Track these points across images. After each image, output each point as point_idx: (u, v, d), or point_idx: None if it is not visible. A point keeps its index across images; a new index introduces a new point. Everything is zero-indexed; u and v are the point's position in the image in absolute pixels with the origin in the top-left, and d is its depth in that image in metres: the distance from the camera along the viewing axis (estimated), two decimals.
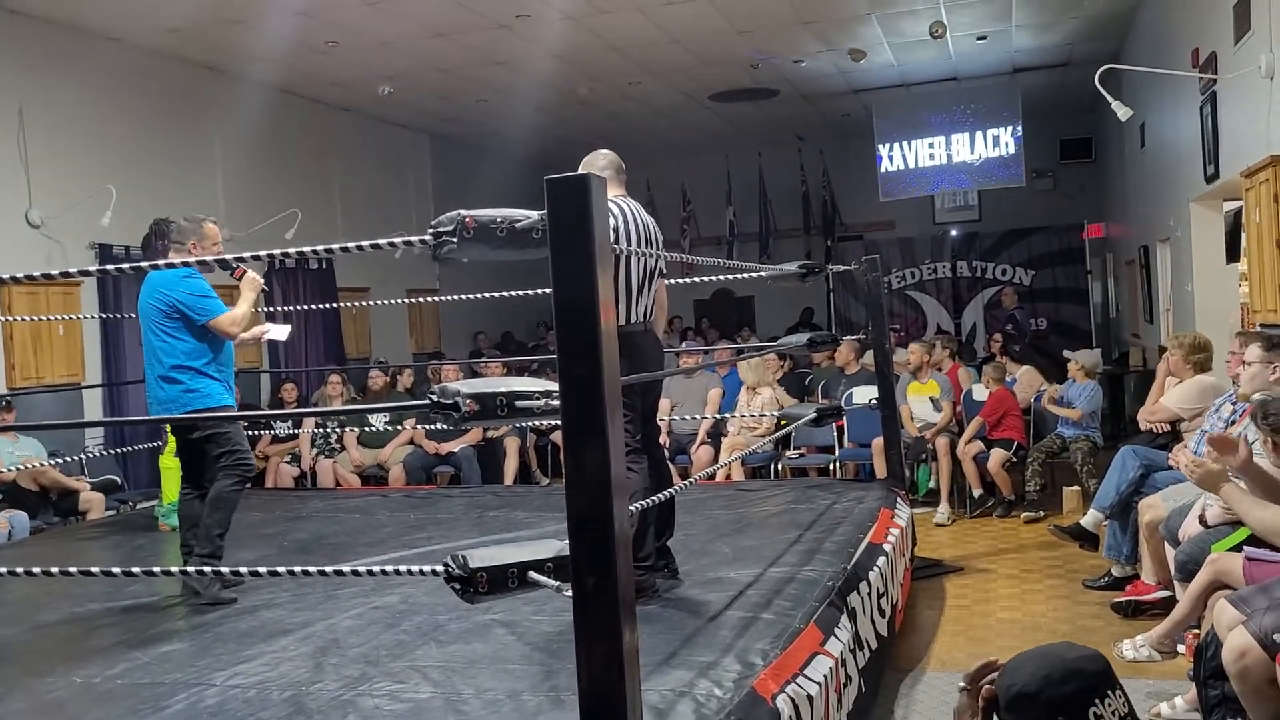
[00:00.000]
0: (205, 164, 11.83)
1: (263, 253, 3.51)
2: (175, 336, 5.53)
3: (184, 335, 5.54)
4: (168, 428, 7.33)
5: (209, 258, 5.20)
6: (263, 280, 5.93)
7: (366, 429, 10.54)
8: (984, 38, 12.90)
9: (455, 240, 3.01)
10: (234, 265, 5.63)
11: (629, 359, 4.14)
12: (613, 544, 2.82)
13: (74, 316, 9.49)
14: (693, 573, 5.26)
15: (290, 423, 10.42)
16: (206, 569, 5.22)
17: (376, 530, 7.10)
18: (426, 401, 3.03)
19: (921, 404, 9.92)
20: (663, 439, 6.52)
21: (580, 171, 3.26)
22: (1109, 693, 2.20)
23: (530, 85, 13.43)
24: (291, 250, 3.44)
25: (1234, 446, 4.55)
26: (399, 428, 10.68)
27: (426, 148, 16.35)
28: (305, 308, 11.80)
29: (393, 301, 10.89)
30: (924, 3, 11.34)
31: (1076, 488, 9.18)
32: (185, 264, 4.62)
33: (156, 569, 5.37)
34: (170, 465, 7.06)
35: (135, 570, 3.82)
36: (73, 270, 3.57)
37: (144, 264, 3.73)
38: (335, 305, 12.17)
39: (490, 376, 8.54)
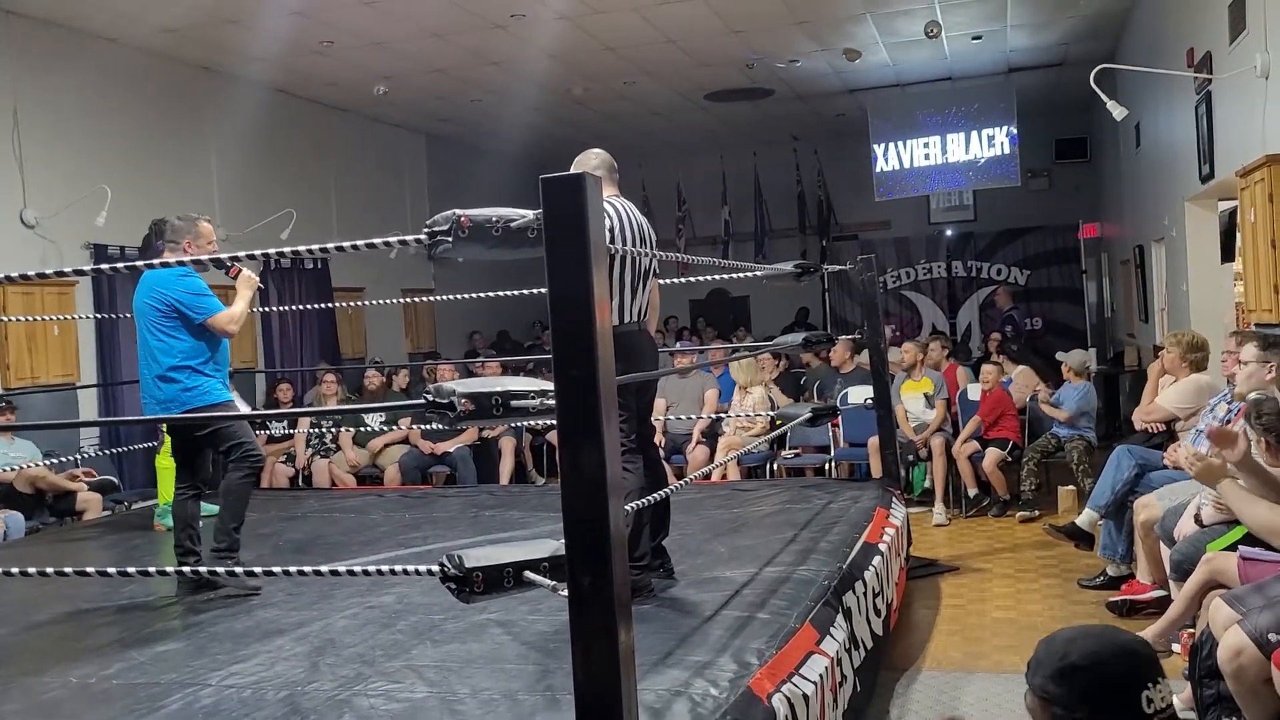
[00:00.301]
0: (201, 164, 11.82)
1: (258, 252, 3.51)
2: (173, 336, 5.52)
3: (182, 334, 5.53)
4: (164, 427, 7.32)
5: (204, 256, 5.19)
6: (258, 278, 5.92)
7: (362, 429, 10.54)
8: (979, 37, 12.91)
9: (450, 239, 3.01)
10: (229, 264, 5.63)
11: (624, 359, 4.14)
12: (608, 543, 2.82)
13: (69, 317, 9.47)
14: (688, 572, 5.26)
15: (285, 423, 10.42)
16: (203, 568, 5.22)
17: (372, 530, 7.10)
18: (422, 401, 3.03)
19: (915, 401, 9.92)
20: (658, 439, 6.49)
21: (573, 171, 3.26)
22: (1159, 679, 2.19)
23: (525, 85, 13.43)
24: (287, 249, 3.44)
25: (1233, 440, 4.55)
26: (394, 427, 10.68)
27: (422, 148, 16.35)
28: (300, 307, 11.79)
29: (388, 301, 10.87)
30: (919, 2, 11.34)
31: (1071, 487, 9.18)
32: (180, 263, 4.61)
33: (152, 569, 5.38)
34: (166, 465, 7.05)
35: (130, 570, 3.83)
36: (67, 270, 3.56)
37: (138, 263, 3.72)
38: (330, 305, 12.16)
39: (487, 376, 8.54)
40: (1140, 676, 2.19)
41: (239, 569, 5.12)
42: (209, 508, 7.62)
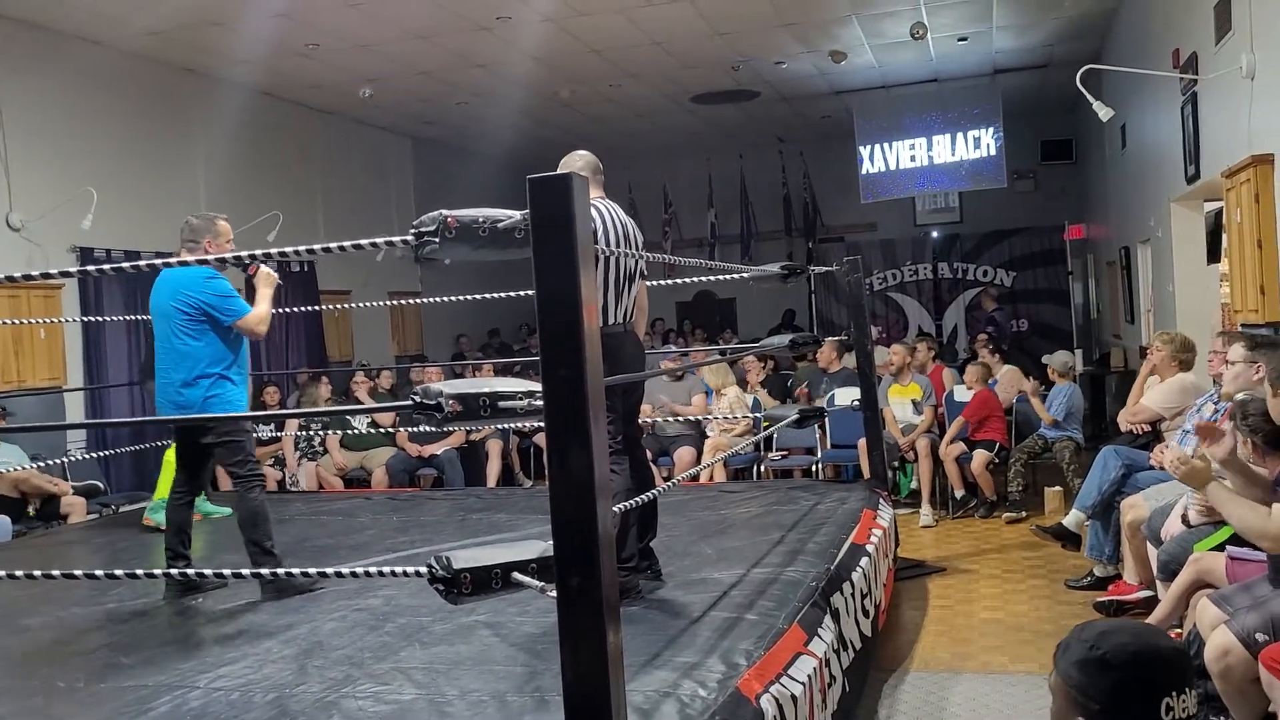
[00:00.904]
0: (187, 167, 11.79)
1: (244, 253, 3.50)
2: (199, 339, 5.41)
3: (208, 338, 5.43)
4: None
5: (225, 255, 5.09)
6: (278, 275, 5.85)
7: (349, 432, 10.52)
8: (965, 39, 12.94)
9: (437, 240, 3.00)
10: (248, 262, 5.56)
11: (610, 360, 4.13)
12: (597, 545, 2.82)
13: (55, 320, 9.43)
14: (676, 574, 5.26)
15: (272, 426, 10.39)
16: (191, 570, 5.17)
17: (359, 533, 7.08)
18: (410, 402, 3.02)
19: (902, 407, 9.94)
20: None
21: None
22: (1185, 690, 2.19)
23: (511, 88, 13.43)
24: (274, 251, 3.42)
25: (1220, 435, 4.56)
26: (385, 430, 10.69)
27: (408, 151, 16.33)
28: (287, 310, 11.76)
29: (375, 304, 10.85)
30: (905, 4, 11.37)
31: (1058, 488, 9.21)
32: (203, 263, 4.48)
33: (139, 571, 5.35)
34: (173, 460, 7.02)
35: (118, 573, 3.80)
36: (54, 271, 3.54)
37: (124, 265, 3.69)
38: (317, 308, 12.13)
39: (478, 377, 8.53)
40: (1163, 684, 2.18)
41: (296, 570, 4.97)
42: (221, 509, 7.62)
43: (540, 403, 2.90)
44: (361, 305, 10.69)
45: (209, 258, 4.47)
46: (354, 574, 3.37)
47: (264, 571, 4.84)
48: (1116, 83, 11.25)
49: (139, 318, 9.74)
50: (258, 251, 3.46)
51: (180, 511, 5.67)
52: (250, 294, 5.66)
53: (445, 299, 8.54)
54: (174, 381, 5.45)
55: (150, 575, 5.50)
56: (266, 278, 5.68)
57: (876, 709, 5.14)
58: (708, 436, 10.27)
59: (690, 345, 16.41)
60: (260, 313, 5.55)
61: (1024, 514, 9.15)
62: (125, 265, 3.49)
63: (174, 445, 6.01)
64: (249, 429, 5.81)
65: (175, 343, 5.44)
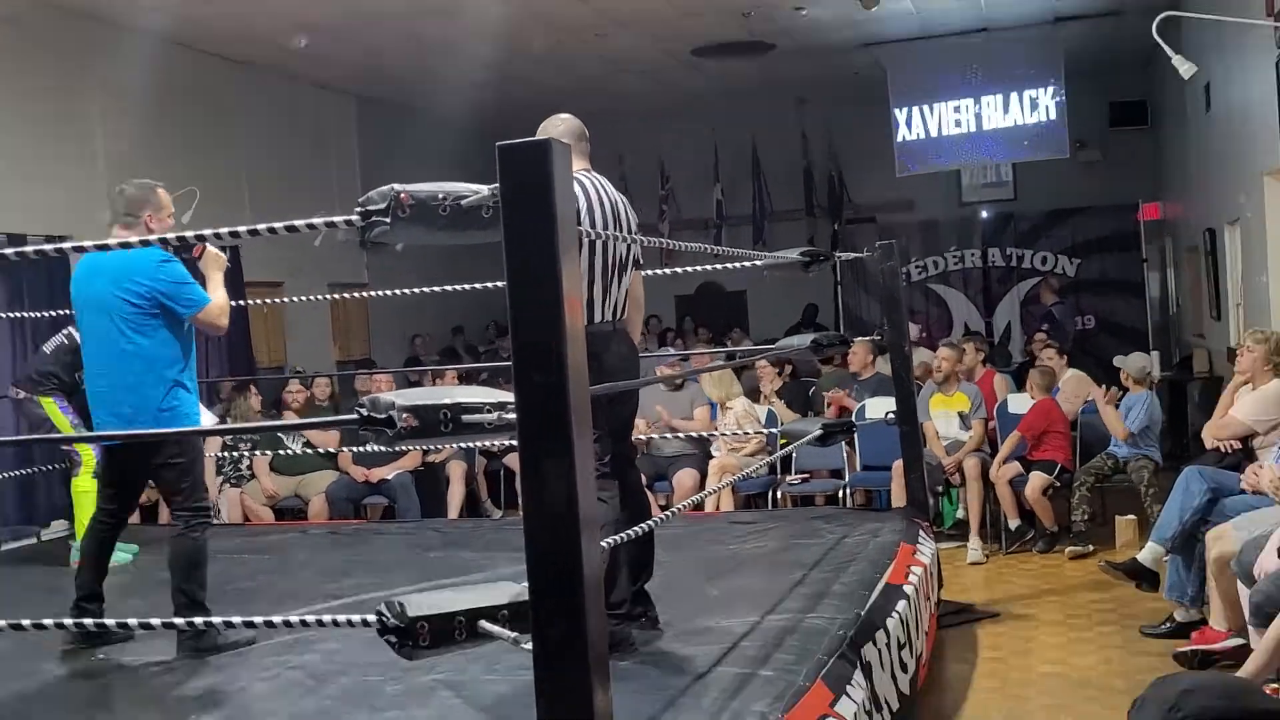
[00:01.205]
0: (83, 132, 11.73)
1: (154, 237, 3.48)
2: (150, 336, 5.31)
3: (162, 334, 5.33)
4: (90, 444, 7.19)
5: (166, 235, 4.98)
6: (225, 256, 5.77)
7: (281, 452, 10.47)
8: None
9: (388, 221, 3.00)
10: (193, 243, 5.49)
11: (596, 365, 4.13)
12: (581, 587, 2.81)
13: None
14: (676, 621, 5.27)
15: None
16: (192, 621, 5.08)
17: (294, 574, 7.08)
18: (355, 416, 3.01)
19: (947, 420, 9.92)
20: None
21: None
22: None
23: (476, 38, 13.41)
24: (189, 234, 3.40)
25: None
26: (325, 450, 10.66)
27: (351, 112, 16.31)
28: None
29: (311, 298, 10.82)
30: None
31: (1132, 517, 9.21)
32: (146, 243, 4.37)
33: (25, 621, 5.33)
34: (87, 488, 6.89)
35: (2, 623, 3.80)
36: None
37: (8, 251, 3.65)
38: (243, 303, 12.11)
39: (437, 386, 8.52)
40: None
41: (219, 619, 4.65)
42: (126, 549, 7.56)
43: (512, 416, 2.89)
44: (296, 300, 10.66)
45: (152, 237, 4.35)
46: (288, 624, 3.36)
47: (178, 622, 4.72)
48: (1200, 34, 11.27)
49: (26, 315, 9.70)
50: (204, 231, 3.42)
51: (103, 544, 5.60)
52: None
53: (397, 292, 8.52)
54: (118, 388, 5.33)
55: (39, 626, 5.48)
56: (215, 260, 5.63)
57: None
58: (713, 456, 10.26)
59: (692, 347, 16.41)
60: (220, 301, 5.50)
61: (1090, 548, 9.15)
62: (8, 252, 3.47)
63: (85, 468, 5.93)
64: (201, 449, 5.74)
65: (120, 342, 5.31)
